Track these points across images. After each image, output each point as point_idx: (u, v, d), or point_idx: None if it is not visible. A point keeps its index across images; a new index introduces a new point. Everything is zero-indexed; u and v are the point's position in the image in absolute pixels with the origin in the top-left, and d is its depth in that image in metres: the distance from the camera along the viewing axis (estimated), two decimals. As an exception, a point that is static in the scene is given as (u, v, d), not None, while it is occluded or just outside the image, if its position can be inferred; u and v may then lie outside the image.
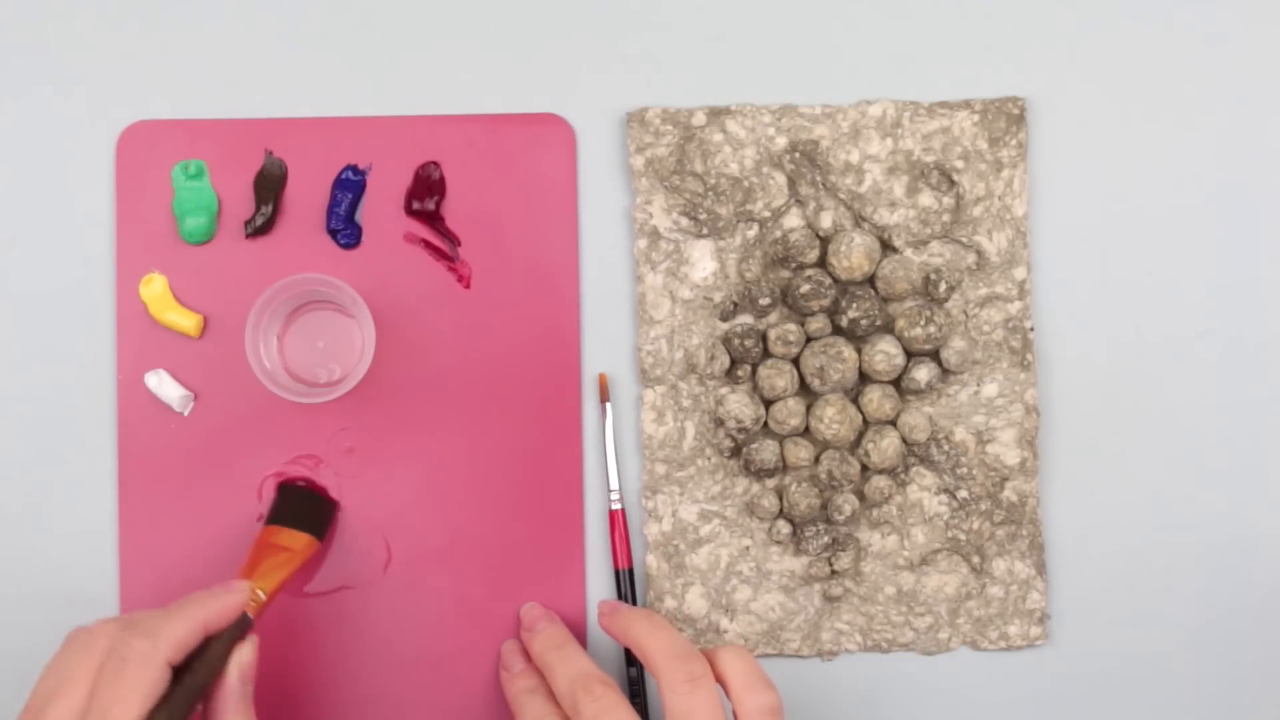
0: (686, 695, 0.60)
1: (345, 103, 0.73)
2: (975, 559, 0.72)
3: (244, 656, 0.63)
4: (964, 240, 0.72)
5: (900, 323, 0.71)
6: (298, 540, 0.68)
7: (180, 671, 0.60)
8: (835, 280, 0.71)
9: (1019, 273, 0.72)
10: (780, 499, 0.71)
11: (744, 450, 0.71)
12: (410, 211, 0.72)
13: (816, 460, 0.71)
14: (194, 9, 0.73)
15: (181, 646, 0.60)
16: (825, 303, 0.70)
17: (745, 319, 0.72)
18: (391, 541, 0.72)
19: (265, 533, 0.69)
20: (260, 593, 0.65)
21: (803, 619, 0.72)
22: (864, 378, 0.71)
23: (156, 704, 0.58)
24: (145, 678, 0.58)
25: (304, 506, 0.70)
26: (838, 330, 0.71)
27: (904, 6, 0.73)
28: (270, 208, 0.71)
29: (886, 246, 0.72)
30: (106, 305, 0.72)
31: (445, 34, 0.73)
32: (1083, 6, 0.74)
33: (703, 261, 0.72)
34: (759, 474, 0.71)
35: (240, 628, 0.63)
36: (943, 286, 0.71)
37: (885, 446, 0.70)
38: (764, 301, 0.71)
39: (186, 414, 0.71)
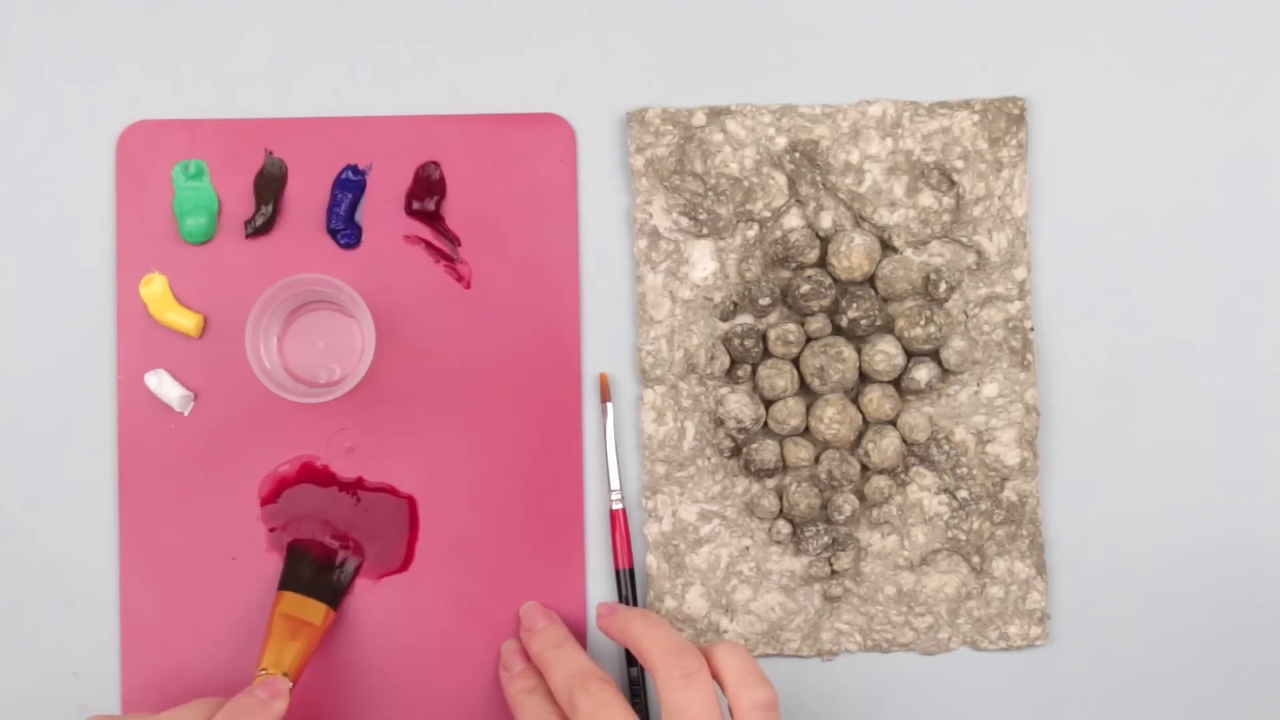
0: (682, 690, 0.60)
1: (345, 103, 0.73)
2: (975, 559, 0.72)
3: None
4: (964, 240, 0.72)
5: (900, 323, 0.71)
6: (316, 614, 0.68)
7: None
8: (835, 280, 0.71)
9: (1019, 273, 0.72)
10: (780, 499, 0.71)
11: (744, 450, 0.71)
12: (410, 211, 0.72)
13: (816, 460, 0.71)
14: (194, 9, 0.73)
15: None
16: (825, 303, 0.70)
17: (745, 319, 0.72)
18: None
19: (281, 601, 0.68)
20: (288, 680, 0.65)
21: (803, 619, 0.72)
22: (864, 378, 0.71)
23: None
24: None
25: (318, 571, 0.70)
26: (838, 330, 0.71)
27: (904, 6, 0.73)
28: (270, 208, 0.71)
29: (886, 246, 0.72)
30: (106, 305, 0.72)
31: (445, 34, 0.73)
32: (1083, 6, 0.74)
33: (703, 261, 0.72)
34: (759, 474, 0.71)
35: None
36: (943, 286, 0.71)
37: (885, 446, 0.70)
38: (764, 301, 0.71)
39: (186, 414, 0.71)
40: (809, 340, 0.71)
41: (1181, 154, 0.74)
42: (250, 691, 0.63)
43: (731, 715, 0.61)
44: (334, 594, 0.70)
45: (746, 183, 0.72)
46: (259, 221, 0.71)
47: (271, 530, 0.71)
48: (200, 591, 0.71)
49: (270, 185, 0.72)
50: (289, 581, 0.69)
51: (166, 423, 0.71)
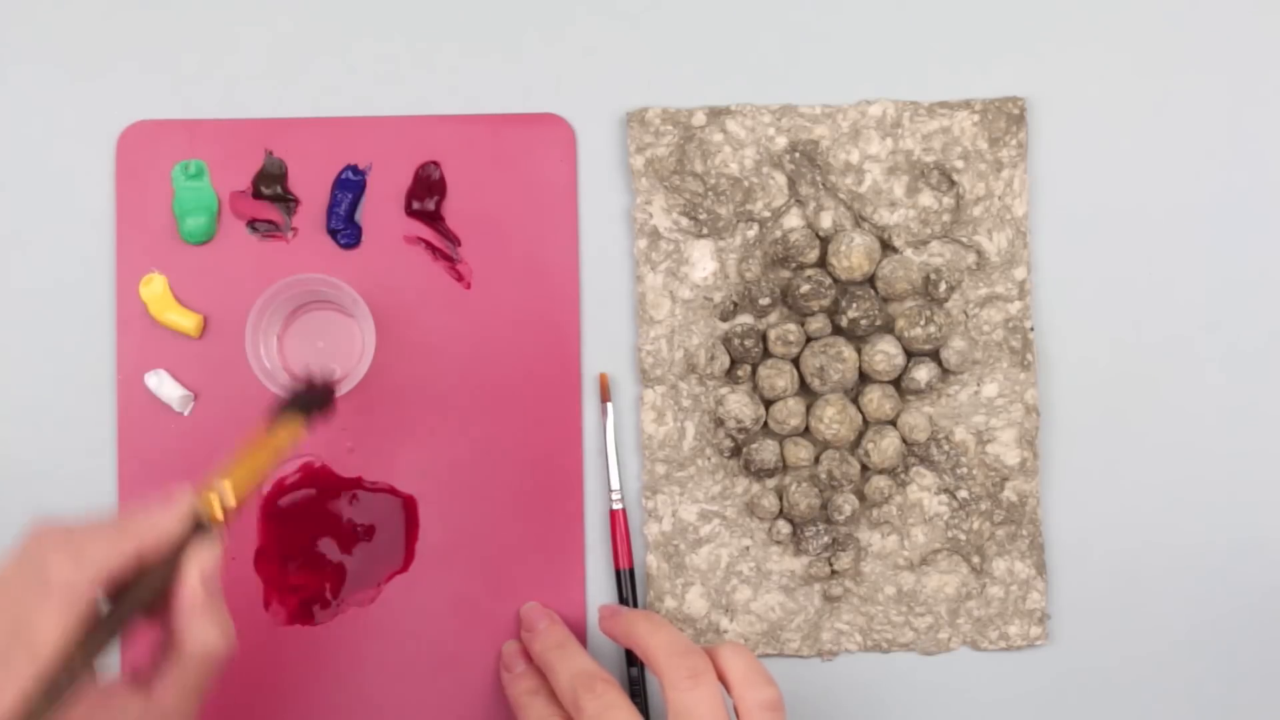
0: (689, 691, 0.60)
1: (345, 103, 0.73)
2: (975, 559, 0.72)
3: (204, 562, 0.58)
4: (964, 240, 0.72)
5: (900, 323, 0.71)
6: (285, 429, 0.63)
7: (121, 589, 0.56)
8: (835, 280, 0.71)
9: (1019, 273, 0.72)
10: (780, 499, 0.71)
11: (744, 450, 0.71)
12: (410, 211, 0.72)
13: (816, 460, 0.71)
14: (194, 9, 0.73)
15: (113, 575, 0.56)
16: (825, 303, 0.70)
17: (745, 319, 0.72)
18: (391, 541, 0.72)
19: (262, 430, 0.64)
20: (228, 489, 0.60)
21: (803, 619, 0.72)
22: (864, 378, 0.71)
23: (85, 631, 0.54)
24: (70, 607, 0.54)
25: (300, 399, 0.65)
26: (838, 330, 0.71)
27: (904, 6, 0.73)
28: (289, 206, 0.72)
29: (886, 246, 0.72)
30: (106, 305, 0.72)
31: (445, 34, 0.73)
32: (1083, 6, 0.74)
33: (703, 261, 0.72)
34: (759, 474, 0.71)
35: (201, 537, 0.59)
36: (943, 286, 0.71)
37: (885, 446, 0.70)
38: (764, 301, 0.71)
39: (186, 414, 0.71)
40: (809, 340, 0.71)
41: (1181, 153, 0.74)
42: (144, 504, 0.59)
43: (737, 715, 0.61)
44: (309, 412, 0.64)
45: (746, 183, 0.72)
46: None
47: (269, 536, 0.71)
48: (200, 592, 0.71)
49: (270, 185, 0.72)
50: (276, 416, 0.64)
51: (166, 423, 0.71)
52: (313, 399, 0.66)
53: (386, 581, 0.71)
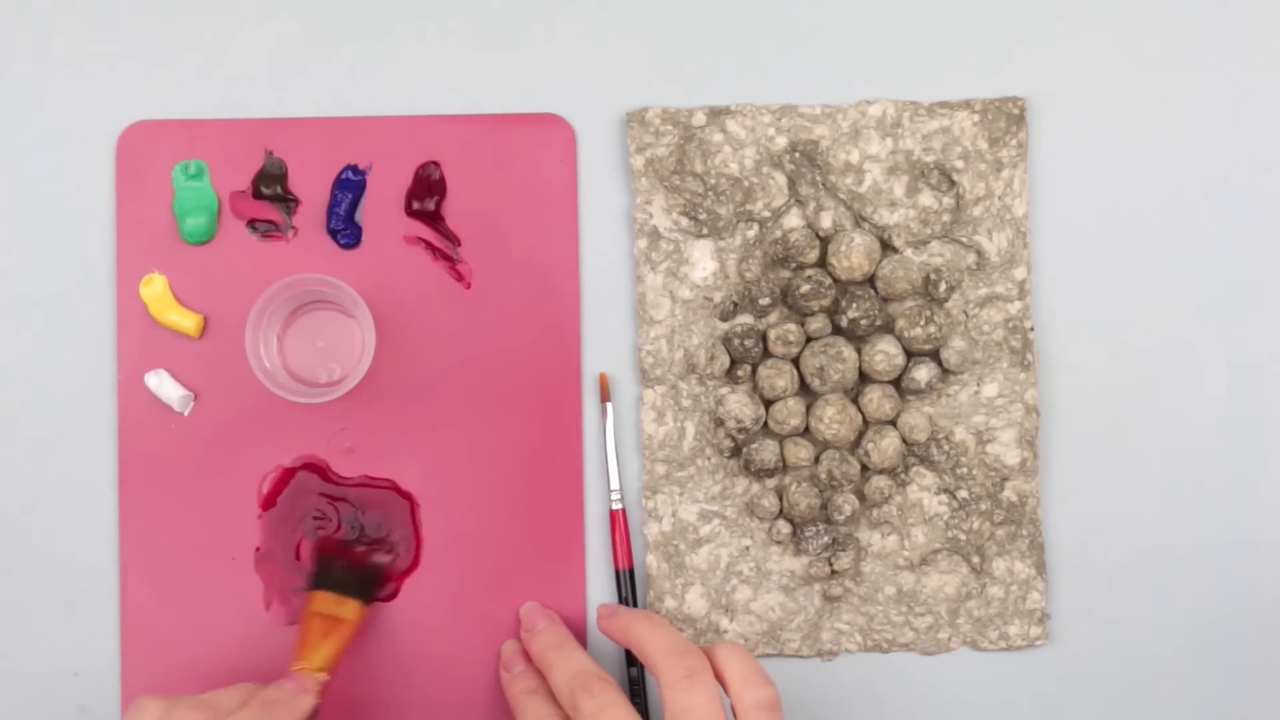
0: (686, 691, 0.60)
1: (345, 103, 0.73)
2: (975, 559, 0.72)
3: None
4: (964, 240, 0.72)
5: (900, 323, 0.71)
6: (349, 610, 0.69)
7: None
8: (835, 280, 0.71)
9: (1019, 273, 0.72)
10: (780, 499, 0.71)
11: (744, 450, 0.71)
12: (410, 211, 0.72)
13: (816, 460, 0.71)
14: (194, 9, 0.73)
15: None
16: (825, 303, 0.70)
17: (745, 319, 0.72)
18: (391, 541, 0.72)
19: (314, 600, 0.68)
20: (322, 675, 0.66)
21: (803, 619, 0.72)
22: (864, 378, 0.71)
23: None
24: None
25: (348, 568, 0.70)
26: (838, 330, 0.71)
27: (904, 6, 0.73)
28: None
29: (886, 246, 0.72)
30: (106, 305, 0.72)
31: (445, 34, 0.73)
32: (1083, 6, 0.74)
33: (703, 261, 0.72)
34: (759, 474, 0.71)
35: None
36: (943, 286, 0.71)
37: (885, 446, 0.70)
38: (764, 301, 0.71)
39: (186, 414, 0.71)
40: (809, 340, 0.71)
41: (1182, 154, 0.74)
42: (280, 684, 0.64)
43: (734, 715, 0.61)
44: (365, 589, 0.70)
45: (746, 183, 0.72)
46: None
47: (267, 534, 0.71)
48: (200, 591, 0.71)
49: (270, 185, 0.72)
50: (320, 580, 0.69)
51: (166, 423, 0.71)
52: (364, 580, 0.70)
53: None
